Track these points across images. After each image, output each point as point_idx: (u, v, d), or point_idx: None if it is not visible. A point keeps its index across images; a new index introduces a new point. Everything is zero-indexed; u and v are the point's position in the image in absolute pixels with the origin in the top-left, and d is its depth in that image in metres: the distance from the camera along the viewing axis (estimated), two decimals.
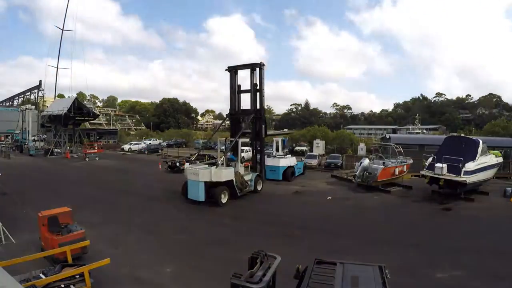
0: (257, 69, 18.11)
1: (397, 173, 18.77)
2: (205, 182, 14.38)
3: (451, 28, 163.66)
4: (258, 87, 18.23)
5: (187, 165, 16.89)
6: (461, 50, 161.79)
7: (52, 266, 6.95)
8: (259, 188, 17.45)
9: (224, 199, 14.64)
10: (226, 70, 18.99)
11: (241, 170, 16.55)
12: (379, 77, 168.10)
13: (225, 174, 14.85)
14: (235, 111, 19.04)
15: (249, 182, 16.62)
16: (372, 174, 18.22)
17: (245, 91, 18.87)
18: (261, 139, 18.48)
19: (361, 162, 19.17)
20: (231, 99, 18.95)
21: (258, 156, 18.93)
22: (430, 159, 17.15)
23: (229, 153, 16.63)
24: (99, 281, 6.76)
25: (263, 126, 18.29)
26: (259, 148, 18.77)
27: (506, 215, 13.58)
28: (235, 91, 18.91)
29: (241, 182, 15.79)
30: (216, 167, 14.87)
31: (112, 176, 23.42)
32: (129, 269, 7.88)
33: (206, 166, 15.34)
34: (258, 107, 18.37)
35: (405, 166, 19.71)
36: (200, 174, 14.37)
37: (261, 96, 18.20)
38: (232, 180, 15.23)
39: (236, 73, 18.94)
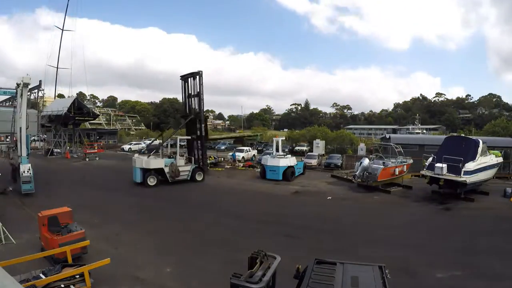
0: (197, 77, 22.05)
1: (397, 173, 18.77)
2: (141, 168, 18.45)
3: None
4: (196, 93, 22.46)
5: (135, 155, 20.57)
6: None
7: (52, 266, 6.95)
8: (198, 178, 20.41)
9: (152, 183, 18.49)
10: (180, 79, 23.57)
11: (180, 161, 19.89)
12: None
13: (153, 163, 18.71)
14: (186, 114, 23.65)
15: (186, 173, 19.94)
16: (372, 174, 18.22)
17: (192, 96, 23.07)
18: (201, 137, 22.45)
19: (361, 162, 19.16)
20: (184, 103, 23.80)
21: (200, 152, 23.05)
22: (430, 159, 17.15)
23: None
24: (99, 281, 6.77)
25: (203, 126, 22.25)
26: (199, 145, 23.03)
27: (506, 215, 13.57)
28: (185, 97, 23.57)
29: (173, 170, 19.03)
30: (148, 157, 18.95)
31: (112, 176, 23.39)
32: (129, 269, 7.88)
33: (145, 156, 19.23)
34: (198, 110, 22.61)
35: (405, 166, 19.71)
36: (136, 162, 18.79)
37: (200, 101, 22.17)
38: (162, 168, 18.87)
39: (186, 81, 23.25)
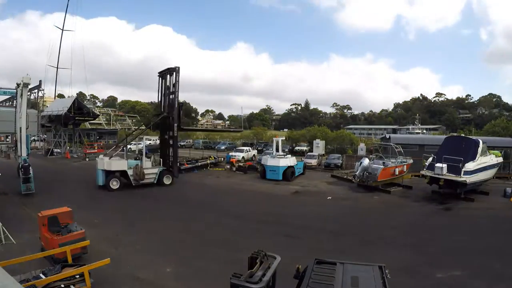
0: (174, 73, 20.21)
1: (397, 173, 18.77)
2: (103, 170, 17.23)
3: None
4: (172, 90, 20.34)
5: (100, 156, 19.46)
6: None
7: (52, 266, 6.94)
8: (166, 182, 19.02)
9: (114, 186, 17.14)
10: (157, 75, 21.53)
11: (146, 164, 18.69)
12: None
13: (115, 164, 17.48)
14: (161, 112, 21.49)
15: (152, 176, 18.59)
16: (372, 174, 18.22)
17: (169, 93, 20.99)
18: (173, 136, 20.32)
19: (361, 162, 19.16)
20: (159, 101, 21.66)
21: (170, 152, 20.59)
22: (430, 159, 17.16)
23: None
24: (99, 281, 6.77)
25: (175, 125, 20.14)
26: (171, 144, 20.58)
27: (506, 215, 13.58)
28: (162, 94, 21.51)
29: (137, 173, 17.66)
30: (109, 159, 17.60)
31: None
32: (129, 269, 7.88)
33: (107, 158, 17.84)
34: (171, 107, 20.47)
35: (405, 166, 19.70)
36: (98, 163, 17.66)
37: (174, 97, 20.30)
38: (125, 171, 17.64)
39: (163, 77, 21.17)
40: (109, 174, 17.27)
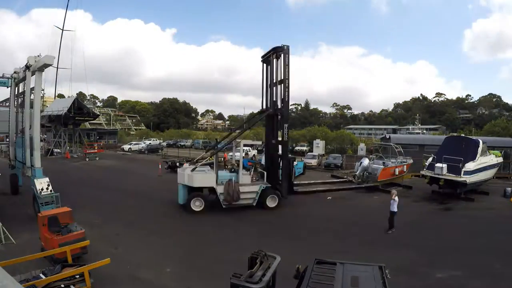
0: (282, 54, 14.19)
1: (397, 173, 18.79)
2: (184, 186, 13.33)
3: None
4: (281, 78, 14.43)
5: (184, 165, 15.66)
6: None
7: (52, 266, 6.95)
8: (270, 204, 13.96)
9: (197, 207, 13.05)
10: (261, 61, 16.04)
11: (244, 178, 13.90)
12: None
13: (199, 179, 13.13)
14: (267, 108, 15.58)
15: (251, 195, 13.89)
16: (372, 174, 18.22)
17: (275, 84, 15.10)
18: (283, 142, 14.50)
19: (361, 162, 19.17)
20: (263, 93, 16.02)
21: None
22: (430, 159, 17.17)
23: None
24: (99, 281, 6.76)
25: (286, 126, 14.38)
26: (282, 153, 14.57)
27: (506, 215, 13.59)
28: (266, 85, 15.74)
29: (229, 192, 13.17)
30: (192, 170, 13.43)
31: (112, 176, 23.41)
32: (129, 269, 7.88)
33: (190, 168, 13.85)
34: (278, 102, 14.78)
35: (405, 166, 19.71)
36: (179, 176, 13.77)
37: (285, 88, 14.25)
38: (213, 188, 13.41)
39: (268, 63, 15.56)
40: (192, 191, 13.27)
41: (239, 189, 13.40)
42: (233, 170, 14.20)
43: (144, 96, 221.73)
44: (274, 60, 14.87)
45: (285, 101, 14.40)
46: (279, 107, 14.72)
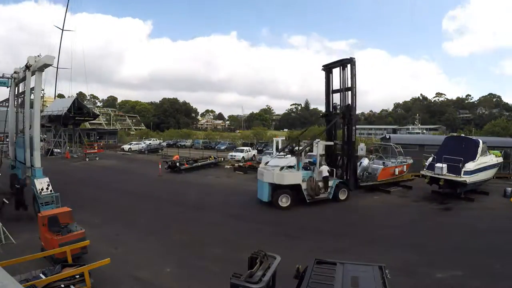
0: (348, 65, 16.45)
1: (397, 173, 18.74)
2: (271, 184, 14.54)
3: None
4: (348, 86, 16.59)
5: (262, 165, 17.23)
6: None
7: (52, 266, 6.95)
8: (342, 197, 15.83)
9: (284, 203, 14.32)
10: (322, 69, 18.08)
11: (319, 175, 15.38)
12: None
13: (288, 177, 14.57)
14: (330, 112, 17.94)
15: (327, 189, 15.40)
16: (372, 174, 18.18)
17: (336, 91, 17.49)
18: (349, 142, 16.57)
19: (360, 162, 19.09)
20: (327, 100, 18.12)
21: (344, 161, 16.90)
22: (430, 159, 17.16)
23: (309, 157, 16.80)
24: (99, 281, 6.77)
25: (353, 128, 16.57)
26: (349, 153, 16.66)
27: (506, 215, 13.58)
28: (329, 91, 17.96)
29: (312, 187, 14.73)
30: (280, 170, 14.97)
31: (112, 176, 23.42)
32: (129, 269, 7.88)
33: (277, 168, 15.27)
34: (347, 107, 16.71)
35: (405, 166, 19.68)
36: (265, 175, 14.80)
37: (352, 95, 16.46)
38: (299, 184, 14.68)
39: (330, 71, 17.79)
40: (278, 188, 14.51)
41: (319, 185, 15.00)
42: (308, 168, 15.64)
43: (132, 94, 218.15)
44: (340, 69, 16.92)
45: (353, 106, 16.53)
46: (348, 111, 16.61)
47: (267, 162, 17.43)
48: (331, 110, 17.82)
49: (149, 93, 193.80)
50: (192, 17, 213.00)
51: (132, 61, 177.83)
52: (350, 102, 16.58)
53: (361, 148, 34.50)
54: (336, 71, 17.38)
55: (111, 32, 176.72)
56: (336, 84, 17.54)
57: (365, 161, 19.12)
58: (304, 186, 14.74)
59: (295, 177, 14.72)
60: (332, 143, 17.21)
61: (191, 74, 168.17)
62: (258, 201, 15.02)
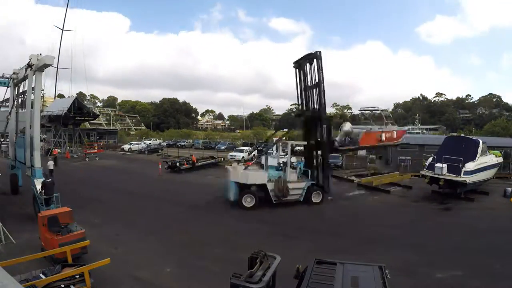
0: (315, 60, 15.17)
1: (383, 138, 16.57)
2: (236, 183, 14.21)
3: None
4: (316, 81, 15.34)
5: (233, 164, 16.83)
6: None
7: (52, 266, 6.95)
8: (315, 200, 15.09)
9: (248, 203, 13.92)
10: (293, 66, 16.75)
11: (292, 176, 14.88)
12: None
13: (253, 176, 14.11)
14: (303, 111, 16.73)
15: (298, 191, 14.80)
16: (353, 140, 16.24)
17: (310, 88, 16.00)
18: (323, 143, 15.52)
19: (341, 127, 17.09)
20: (299, 98, 16.94)
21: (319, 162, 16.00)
22: (430, 159, 17.16)
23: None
24: (99, 281, 6.76)
25: (325, 127, 15.42)
26: (323, 153, 15.71)
27: (506, 215, 13.59)
28: (301, 89, 16.53)
29: (279, 188, 14.22)
30: (245, 168, 14.53)
31: (112, 176, 23.41)
32: (129, 269, 7.88)
33: (242, 167, 14.96)
34: (318, 105, 15.53)
35: (395, 132, 17.49)
36: (232, 173, 14.56)
37: (320, 91, 15.21)
38: (264, 185, 14.18)
39: (301, 67, 16.32)
40: (243, 188, 14.14)
41: (288, 186, 14.40)
42: (280, 168, 15.01)
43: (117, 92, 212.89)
44: (308, 65, 15.73)
45: (321, 103, 15.34)
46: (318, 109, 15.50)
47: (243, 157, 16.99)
48: (304, 108, 16.58)
49: (142, 91, 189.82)
50: (192, 16, 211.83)
51: (118, 57, 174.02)
52: (318, 100, 15.45)
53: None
54: (308, 68, 15.95)
55: (111, 32, 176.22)
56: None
57: (347, 125, 17.16)
58: (270, 186, 14.23)
59: (260, 177, 14.29)
60: (305, 143, 16.58)
61: (190, 72, 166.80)
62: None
